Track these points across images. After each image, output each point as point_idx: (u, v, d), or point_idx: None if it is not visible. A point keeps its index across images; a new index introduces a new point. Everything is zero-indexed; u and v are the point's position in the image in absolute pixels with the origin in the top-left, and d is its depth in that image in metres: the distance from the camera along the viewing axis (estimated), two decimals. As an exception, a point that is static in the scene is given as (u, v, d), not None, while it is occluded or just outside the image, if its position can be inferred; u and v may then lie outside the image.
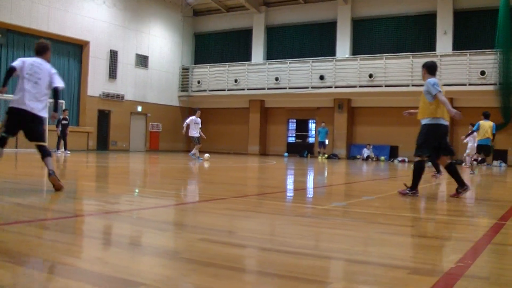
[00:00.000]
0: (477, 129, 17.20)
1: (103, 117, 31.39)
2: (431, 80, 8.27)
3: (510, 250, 4.37)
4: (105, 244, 4.18)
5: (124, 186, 9.71)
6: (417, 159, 8.38)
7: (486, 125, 16.96)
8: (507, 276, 3.40)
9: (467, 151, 22.18)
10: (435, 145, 8.39)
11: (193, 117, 20.88)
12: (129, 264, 3.41)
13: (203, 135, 21.15)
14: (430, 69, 8.61)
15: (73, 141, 26.04)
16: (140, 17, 33.59)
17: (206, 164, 18.10)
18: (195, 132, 20.66)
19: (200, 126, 20.92)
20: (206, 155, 21.78)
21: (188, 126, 20.68)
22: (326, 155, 30.11)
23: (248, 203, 7.26)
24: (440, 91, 8.06)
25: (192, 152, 20.95)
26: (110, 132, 31.84)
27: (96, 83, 30.56)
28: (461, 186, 8.35)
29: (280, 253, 3.89)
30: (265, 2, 35.39)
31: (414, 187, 8.35)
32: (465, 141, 20.50)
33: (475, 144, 18.12)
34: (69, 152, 23.12)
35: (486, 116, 17.18)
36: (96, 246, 4.04)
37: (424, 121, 8.33)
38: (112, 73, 31.45)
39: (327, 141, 30.19)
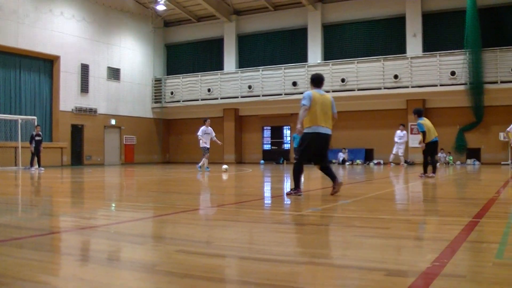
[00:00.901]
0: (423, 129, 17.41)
1: (77, 132, 31.14)
2: (307, 92, 8.92)
3: (485, 247, 4.41)
4: (81, 260, 4.13)
5: (100, 200, 9.62)
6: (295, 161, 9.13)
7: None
8: (483, 273, 3.43)
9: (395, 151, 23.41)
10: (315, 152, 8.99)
11: (203, 127, 20.39)
12: (105, 279, 3.37)
13: (218, 141, 21.02)
14: (313, 81, 9.15)
15: (46, 157, 25.75)
16: (110, 30, 33.44)
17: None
18: (206, 143, 20.21)
19: (212, 134, 20.52)
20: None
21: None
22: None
23: (225, 212, 7.24)
24: (303, 104, 8.69)
25: (200, 164, 20.64)
26: (84, 147, 31.59)
27: (68, 97, 30.32)
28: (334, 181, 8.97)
29: (258, 261, 3.88)
30: (235, 10, 35.46)
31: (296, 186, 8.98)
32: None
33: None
34: (43, 168, 22.88)
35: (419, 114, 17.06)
36: (72, 263, 3.98)
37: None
38: (84, 87, 31.23)
39: (302, 147, 30.26)
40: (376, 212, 7.12)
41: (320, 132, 8.76)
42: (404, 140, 26.06)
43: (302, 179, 9.13)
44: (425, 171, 15.15)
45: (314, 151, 8.95)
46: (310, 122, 8.74)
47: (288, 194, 8.98)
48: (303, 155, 9.01)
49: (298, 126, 8.79)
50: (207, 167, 20.50)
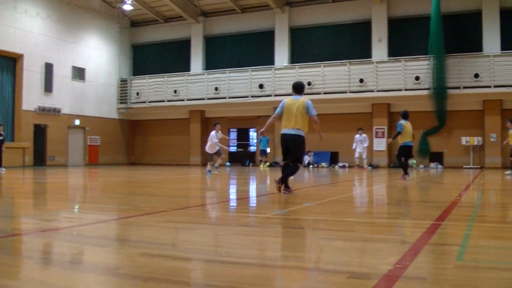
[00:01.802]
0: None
1: (40, 132, 30.64)
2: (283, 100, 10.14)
3: (446, 249, 4.48)
4: (42, 263, 4.06)
5: (62, 202, 9.49)
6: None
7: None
8: (444, 275, 3.48)
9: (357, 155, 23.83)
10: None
11: (213, 133, 19.60)
12: (66, 283, 3.33)
13: (224, 147, 20.65)
14: (293, 88, 10.28)
15: (8, 158, 25.21)
16: (76, 29, 33.02)
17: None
18: (217, 148, 19.53)
19: (217, 139, 19.63)
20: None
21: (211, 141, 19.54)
22: (267, 164, 30.25)
23: (190, 215, 7.21)
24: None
25: (208, 168, 19.97)
26: (47, 147, 31.09)
27: (31, 97, 29.83)
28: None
29: (223, 264, 3.87)
30: (203, 12, 35.38)
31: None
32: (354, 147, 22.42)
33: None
34: (4, 169, 22.42)
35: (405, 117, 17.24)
36: (32, 266, 3.91)
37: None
38: (48, 87, 30.76)
39: (268, 150, 30.41)
40: (340, 214, 7.17)
41: (284, 133, 9.76)
42: (365, 145, 26.31)
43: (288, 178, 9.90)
44: (405, 172, 15.35)
45: (285, 150, 9.85)
46: (281, 126, 9.84)
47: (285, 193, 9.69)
48: (282, 156, 10.03)
49: (262, 129, 10.36)
50: (210, 171, 19.74)
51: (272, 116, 10.00)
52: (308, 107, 9.82)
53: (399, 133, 15.05)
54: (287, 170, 9.79)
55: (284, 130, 9.78)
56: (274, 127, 32.14)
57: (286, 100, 9.97)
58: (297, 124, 9.70)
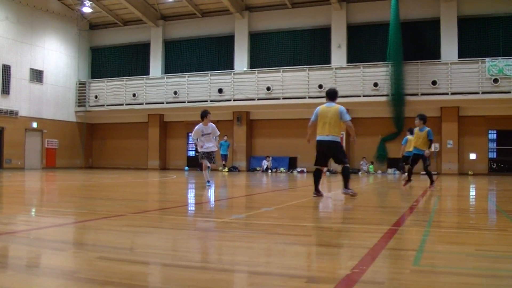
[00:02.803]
0: (405, 144, 18.49)
1: (-4, 134, 30.04)
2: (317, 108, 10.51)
3: (403, 254, 4.51)
4: (-6, 267, 3.96)
5: (19, 205, 9.28)
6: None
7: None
8: (401, 280, 3.50)
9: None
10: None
11: (199, 126, 14.26)
12: (23, 286, 3.25)
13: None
14: (326, 95, 10.65)
15: (-39, 160, 24.69)
16: (35, 31, 32.49)
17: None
18: (211, 145, 14.35)
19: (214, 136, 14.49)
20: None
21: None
22: (227, 168, 30.21)
23: (148, 219, 7.13)
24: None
25: (206, 177, 14.40)
26: (3, 150, 30.53)
27: (-12, 99, 29.23)
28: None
29: (180, 268, 3.83)
30: (162, 16, 35.19)
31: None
32: None
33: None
34: (-44, 172, 21.92)
35: (412, 132, 17.50)
36: (-17, 270, 3.81)
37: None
38: (5, 89, 30.18)
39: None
40: (298, 219, 7.18)
41: (320, 140, 10.23)
42: None
43: (319, 182, 10.55)
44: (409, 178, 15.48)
45: (321, 156, 10.39)
46: (316, 133, 10.40)
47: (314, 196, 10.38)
48: (315, 161, 10.48)
49: (308, 138, 10.89)
50: (209, 181, 14.44)
51: (309, 125, 10.56)
52: (341, 113, 10.22)
53: (431, 142, 14.49)
54: (345, 175, 10.46)
55: (320, 137, 10.25)
56: (232, 130, 32.24)
57: (320, 107, 10.41)
58: (331, 131, 10.15)
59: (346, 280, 3.38)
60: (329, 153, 10.35)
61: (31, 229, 5.97)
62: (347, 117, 10.27)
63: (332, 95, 10.54)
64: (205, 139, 14.18)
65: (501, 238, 5.70)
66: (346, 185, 10.39)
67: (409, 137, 18.21)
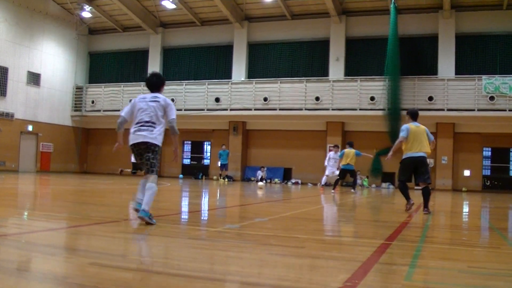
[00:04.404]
0: (341, 156, 19.95)
1: (-10, 136, 29.94)
2: (405, 125, 11.13)
3: (395, 269, 4.51)
4: (-16, 270, 3.94)
5: (11, 208, 9.24)
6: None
7: (351, 153, 19.68)
8: (392, 295, 3.50)
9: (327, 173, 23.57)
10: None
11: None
12: (10, 291, 3.24)
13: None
14: (410, 115, 11.35)
15: (-45, 162, 24.61)
16: (33, 34, 32.43)
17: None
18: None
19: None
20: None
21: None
22: (226, 178, 30.07)
23: (142, 226, 7.11)
24: (401, 136, 11.04)
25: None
26: (-3, 152, 30.39)
27: (-17, 100, 29.17)
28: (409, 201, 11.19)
29: (172, 276, 3.82)
30: (162, 23, 35.23)
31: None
32: (325, 164, 22.41)
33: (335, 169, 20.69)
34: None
35: (351, 145, 20.09)
36: (-26, 272, 3.79)
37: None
38: (2, 91, 30.08)
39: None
40: (292, 231, 7.17)
41: (412, 156, 10.87)
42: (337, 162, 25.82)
43: (409, 192, 11.16)
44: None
45: (410, 171, 10.99)
46: (406, 149, 11.02)
47: (406, 210, 11.05)
48: (401, 175, 11.19)
49: (390, 153, 11.73)
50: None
51: (398, 140, 11.12)
52: (428, 133, 11.11)
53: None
54: (425, 195, 10.78)
55: (414, 154, 10.87)
56: (228, 140, 32.23)
57: (410, 126, 11.02)
58: (423, 148, 10.86)
59: (338, 293, 3.38)
60: (419, 169, 10.85)
61: (23, 233, 5.95)
62: (432, 137, 11.20)
63: (416, 115, 11.31)
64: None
65: (493, 255, 5.71)
66: (426, 205, 10.74)
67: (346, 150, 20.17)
